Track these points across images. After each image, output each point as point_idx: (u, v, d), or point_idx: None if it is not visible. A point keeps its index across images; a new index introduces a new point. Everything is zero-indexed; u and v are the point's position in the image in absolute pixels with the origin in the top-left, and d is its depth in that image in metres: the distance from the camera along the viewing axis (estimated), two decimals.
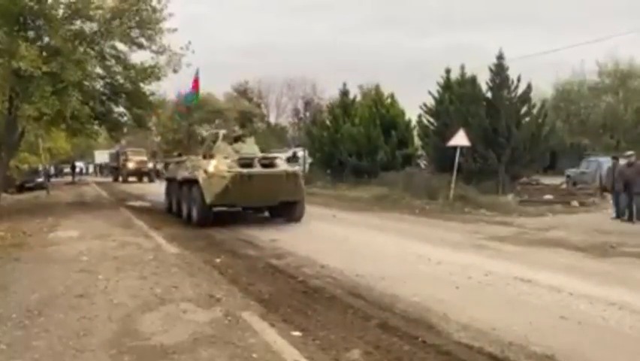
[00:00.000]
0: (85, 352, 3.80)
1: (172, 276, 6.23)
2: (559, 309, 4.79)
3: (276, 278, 6.21)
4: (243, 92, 53.08)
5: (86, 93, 14.49)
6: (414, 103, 21.54)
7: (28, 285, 5.87)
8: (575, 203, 14.43)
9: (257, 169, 10.62)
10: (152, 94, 16.02)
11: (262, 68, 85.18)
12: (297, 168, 11.76)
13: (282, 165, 11.16)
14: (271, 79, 52.74)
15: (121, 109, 16.52)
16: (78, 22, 14.15)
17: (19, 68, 12.02)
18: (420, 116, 21.11)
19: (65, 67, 12.61)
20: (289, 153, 19.30)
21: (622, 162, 12.21)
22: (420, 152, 23.00)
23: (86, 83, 14.54)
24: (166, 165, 15.93)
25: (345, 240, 9.16)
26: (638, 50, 48.45)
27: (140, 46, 14.78)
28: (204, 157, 11.27)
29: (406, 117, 23.43)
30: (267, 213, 12.39)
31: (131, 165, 34.79)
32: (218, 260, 7.24)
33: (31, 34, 13.82)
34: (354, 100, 26.07)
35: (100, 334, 4.18)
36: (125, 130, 19.26)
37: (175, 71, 15.14)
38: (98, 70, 15.20)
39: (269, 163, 11.05)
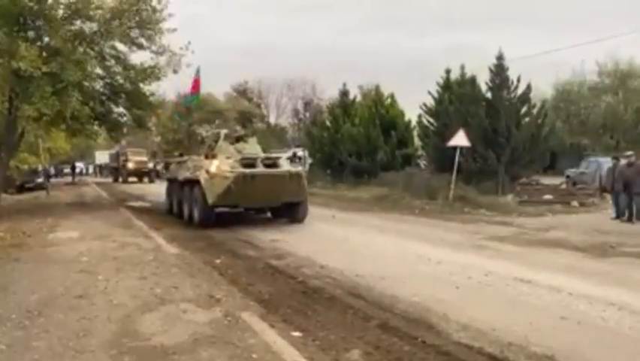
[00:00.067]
0: (85, 353, 3.80)
1: (172, 276, 6.23)
2: (559, 309, 4.80)
3: (276, 279, 6.21)
4: (242, 93, 53.11)
5: (85, 93, 14.50)
6: (414, 103, 21.56)
7: (27, 285, 5.87)
8: (574, 203, 14.43)
9: (260, 169, 10.53)
10: (152, 94, 16.04)
11: (262, 68, 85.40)
12: (300, 168, 11.69)
13: (285, 165, 11.05)
14: (271, 79, 52.88)
15: (121, 109, 16.54)
16: (78, 23, 14.16)
17: (19, 69, 12.02)
18: (420, 116, 21.11)
19: (65, 67, 12.61)
20: (289, 154, 19.29)
21: (622, 162, 12.21)
22: (420, 152, 22.99)
23: (86, 83, 14.55)
24: (166, 166, 15.90)
25: (345, 240, 9.16)
26: (638, 50, 48.60)
27: (140, 46, 14.79)
28: (206, 157, 11.11)
29: (406, 117, 23.42)
30: (269, 214, 12.29)
31: (131, 166, 34.69)
32: (218, 261, 7.24)
33: (31, 34, 13.83)
34: (354, 100, 26.06)
35: (100, 334, 4.18)
36: (125, 130, 19.25)
37: (175, 72, 15.16)
38: (98, 70, 15.21)
39: (272, 163, 10.95)
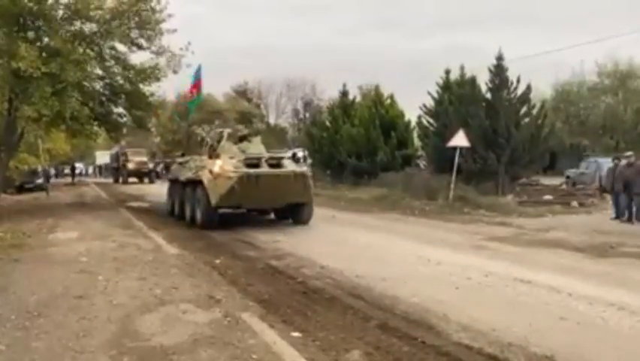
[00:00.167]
0: (84, 353, 3.80)
1: (172, 277, 6.22)
2: (558, 310, 4.80)
3: (276, 279, 6.21)
4: (242, 93, 53.14)
5: (85, 94, 14.53)
6: (413, 104, 21.57)
7: (27, 286, 5.86)
8: (574, 204, 14.44)
9: (264, 169, 10.26)
10: (152, 95, 16.03)
11: (262, 68, 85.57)
12: (305, 168, 11.49)
13: (289, 165, 10.81)
14: (271, 80, 52.85)
15: (120, 110, 16.54)
16: (78, 23, 14.18)
17: (19, 69, 12.04)
18: (419, 116, 21.12)
19: (65, 68, 12.62)
20: (289, 154, 19.28)
21: (622, 162, 12.21)
22: (419, 153, 22.99)
23: (86, 83, 14.57)
24: (166, 166, 15.84)
25: (345, 241, 9.16)
26: (638, 50, 48.64)
27: (140, 47, 14.80)
28: (209, 157, 10.88)
29: (406, 118, 23.41)
30: (272, 216, 12.12)
31: (131, 166, 34.42)
32: (217, 261, 7.24)
33: (30, 34, 13.85)
34: (353, 101, 26.08)
35: (99, 335, 4.18)
36: (125, 131, 19.27)
37: (175, 72, 15.19)
38: (98, 71, 15.25)
39: (276, 163, 10.65)
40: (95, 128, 16.80)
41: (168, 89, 26.14)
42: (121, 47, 14.91)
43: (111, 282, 5.94)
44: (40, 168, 27.94)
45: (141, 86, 15.37)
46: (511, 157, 17.14)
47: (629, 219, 11.35)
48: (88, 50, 14.41)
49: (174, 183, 13.04)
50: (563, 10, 65.72)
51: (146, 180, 33.97)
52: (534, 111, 18.54)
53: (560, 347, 3.82)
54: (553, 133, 21.32)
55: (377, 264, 6.94)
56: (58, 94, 12.90)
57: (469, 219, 12.23)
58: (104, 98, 15.82)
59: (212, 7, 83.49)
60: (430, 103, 20.30)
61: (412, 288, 5.57)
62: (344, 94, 26.01)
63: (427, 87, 20.44)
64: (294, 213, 11.12)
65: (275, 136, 47.27)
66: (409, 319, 4.57)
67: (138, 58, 15.34)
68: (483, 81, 18.25)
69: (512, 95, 17.94)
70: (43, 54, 13.06)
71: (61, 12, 13.79)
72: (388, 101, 24.04)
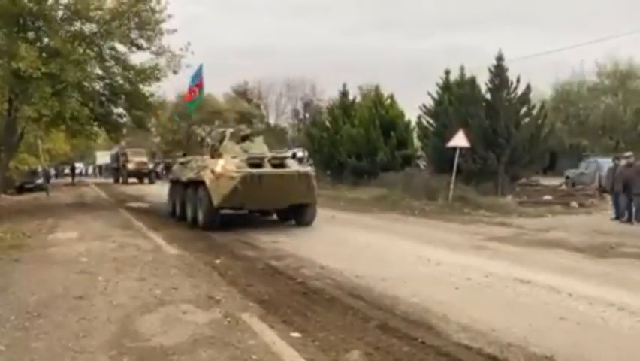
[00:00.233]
0: (84, 353, 3.80)
1: (171, 277, 6.22)
2: (558, 310, 4.80)
3: (276, 279, 6.20)
4: (242, 93, 53.16)
5: (85, 94, 14.54)
6: (413, 104, 21.57)
7: (27, 286, 5.86)
8: (574, 204, 14.44)
9: (267, 169, 10.12)
10: (152, 95, 16.05)
11: (262, 68, 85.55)
12: (309, 168, 11.36)
13: (293, 166, 10.70)
14: (271, 80, 52.89)
15: (120, 110, 16.56)
16: (77, 24, 14.19)
17: (19, 69, 12.04)
18: (419, 117, 21.12)
19: (65, 68, 12.62)
20: (289, 154, 19.29)
21: (622, 162, 12.21)
22: (419, 153, 23.00)
23: (86, 84, 14.57)
24: (166, 166, 15.81)
25: (345, 241, 9.16)
26: (638, 50, 48.64)
27: (140, 47, 14.81)
28: (211, 157, 10.73)
29: (406, 118, 23.42)
30: (274, 216, 12.01)
31: (131, 166, 34.36)
32: (217, 261, 7.24)
33: (30, 35, 13.86)
34: (353, 101, 26.08)
35: (99, 335, 4.18)
36: (125, 131, 19.28)
37: (175, 72, 15.19)
38: (98, 71, 15.26)
39: (279, 163, 10.53)
40: (95, 128, 16.83)
41: (168, 89, 26.18)
42: (121, 48, 14.96)
43: (111, 282, 5.94)
44: (40, 169, 27.93)
45: (141, 86, 15.39)
46: (511, 157, 17.14)
47: (629, 220, 11.36)
48: (88, 51, 14.42)
49: (175, 183, 12.88)
50: (563, 10, 65.84)
51: (146, 180, 33.96)
52: (534, 111, 18.54)
53: (559, 348, 3.82)
54: (553, 133, 21.33)
55: (377, 264, 6.94)
56: (58, 94, 12.92)
57: (468, 220, 12.23)
58: (103, 99, 15.83)
59: (212, 7, 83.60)
60: (429, 103, 20.32)
61: (412, 288, 5.57)
62: (344, 94, 26.01)
63: (427, 87, 20.48)
64: (297, 214, 10.98)
65: (275, 136, 47.26)
66: (408, 319, 4.57)
67: (138, 58, 15.39)
68: (483, 81, 18.28)
69: (512, 96, 17.94)
70: (43, 54, 13.07)
71: (61, 12, 13.81)
72: (388, 101, 24.05)
